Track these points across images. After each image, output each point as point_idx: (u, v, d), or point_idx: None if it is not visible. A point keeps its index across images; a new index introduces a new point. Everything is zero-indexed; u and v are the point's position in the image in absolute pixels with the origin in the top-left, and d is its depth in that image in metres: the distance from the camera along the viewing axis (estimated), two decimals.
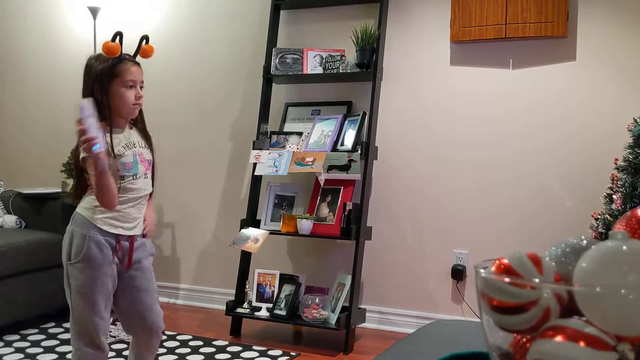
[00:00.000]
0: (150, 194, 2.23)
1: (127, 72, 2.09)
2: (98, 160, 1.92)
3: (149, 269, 2.23)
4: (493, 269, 0.59)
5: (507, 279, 0.57)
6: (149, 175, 2.19)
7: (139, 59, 2.18)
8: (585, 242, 0.62)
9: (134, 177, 2.12)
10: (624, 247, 0.53)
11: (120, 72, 2.07)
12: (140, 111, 2.19)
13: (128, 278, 2.17)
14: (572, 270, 0.57)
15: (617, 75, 3.19)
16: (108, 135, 2.05)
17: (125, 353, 3.01)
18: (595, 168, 3.18)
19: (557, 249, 0.63)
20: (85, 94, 2.07)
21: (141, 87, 2.15)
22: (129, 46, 2.15)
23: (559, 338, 0.54)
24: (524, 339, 0.59)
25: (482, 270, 0.60)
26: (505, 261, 0.59)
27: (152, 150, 2.21)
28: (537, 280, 0.57)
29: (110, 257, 2.09)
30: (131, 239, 2.15)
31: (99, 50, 2.14)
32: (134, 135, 2.17)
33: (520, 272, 0.58)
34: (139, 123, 2.21)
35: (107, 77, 2.06)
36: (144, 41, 2.18)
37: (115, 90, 2.07)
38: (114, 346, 3.16)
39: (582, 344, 0.53)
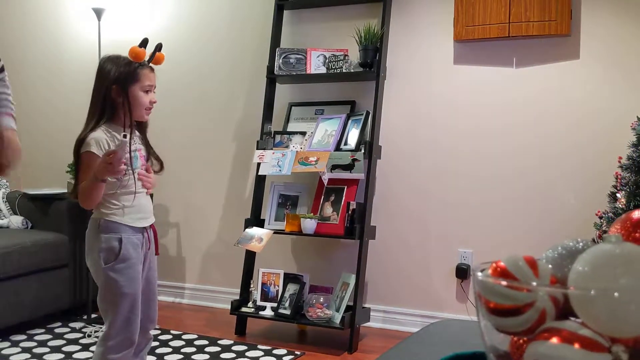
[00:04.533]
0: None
1: (146, 77, 2.18)
2: (105, 176, 2.04)
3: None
4: (490, 271, 0.60)
5: (503, 282, 0.58)
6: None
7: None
8: (581, 244, 0.63)
9: (134, 171, 2.21)
10: (617, 251, 0.54)
11: (141, 76, 2.17)
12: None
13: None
14: (568, 273, 0.58)
15: (621, 73, 3.19)
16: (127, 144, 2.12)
17: None
18: (600, 166, 3.18)
19: (554, 252, 0.64)
20: (97, 94, 2.17)
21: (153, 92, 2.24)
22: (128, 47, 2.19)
23: (554, 340, 0.55)
24: (521, 341, 0.60)
25: (479, 273, 0.60)
26: (502, 264, 0.60)
27: (147, 145, 2.31)
28: (533, 283, 0.58)
29: (142, 256, 2.22)
30: (152, 227, 2.28)
31: (104, 52, 2.17)
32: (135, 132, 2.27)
33: (517, 275, 0.59)
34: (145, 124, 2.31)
35: (128, 81, 2.13)
36: (158, 49, 2.24)
37: (133, 93, 2.15)
38: None
39: (577, 345, 0.54)
